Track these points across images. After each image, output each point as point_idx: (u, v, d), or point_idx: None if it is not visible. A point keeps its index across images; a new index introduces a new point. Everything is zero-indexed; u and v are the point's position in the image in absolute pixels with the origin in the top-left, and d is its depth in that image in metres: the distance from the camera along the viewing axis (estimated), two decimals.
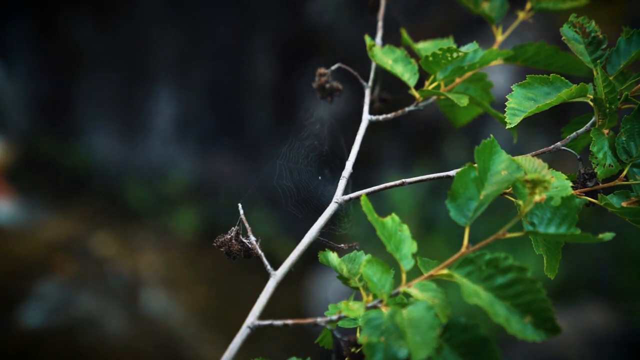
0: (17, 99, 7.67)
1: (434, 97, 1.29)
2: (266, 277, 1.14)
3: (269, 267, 1.13)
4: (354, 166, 1.24)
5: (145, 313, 5.91)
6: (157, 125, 6.94)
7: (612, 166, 1.13)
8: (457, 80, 1.30)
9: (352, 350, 1.09)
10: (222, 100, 6.84)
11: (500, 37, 1.34)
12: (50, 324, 5.68)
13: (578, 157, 1.17)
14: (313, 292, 5.75)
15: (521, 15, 1.34)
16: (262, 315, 1.10)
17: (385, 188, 1.17)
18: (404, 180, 1.18)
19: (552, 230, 1.06)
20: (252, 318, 1.10)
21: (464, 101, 1.22)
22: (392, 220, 1.10)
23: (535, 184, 1.01)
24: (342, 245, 1.24)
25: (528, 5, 1.33)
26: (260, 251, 1.16)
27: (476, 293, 1.04)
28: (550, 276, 1.18)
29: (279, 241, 5.76)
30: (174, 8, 6.67)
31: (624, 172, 1.14)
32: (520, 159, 1.09)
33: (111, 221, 7.00)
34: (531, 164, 1.08)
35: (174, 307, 5.99)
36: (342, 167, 1.23)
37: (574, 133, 1.18)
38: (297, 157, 1.30)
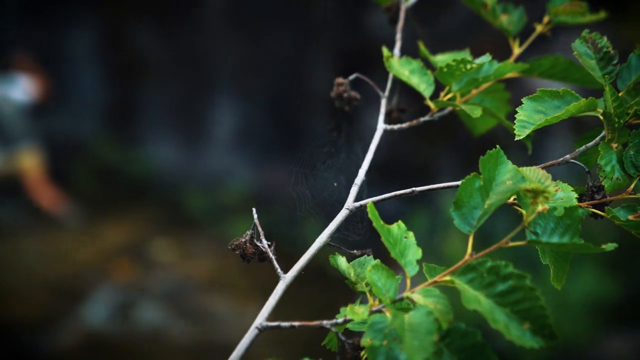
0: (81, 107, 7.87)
1: (450, 108, 1.32)
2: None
3: (279, 270, 1.17)
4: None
5: (201, 319, 6.00)
6: (217, 135, 7.06)
7: (619, 179, 1.14)
8: (474, 91, 1.32)
9: (356, 352, 1.12)
10: (280, 110, 6.91)
11: (517, 50, 1.36)
12: (109, 326, 5.81)
13: (586, 170, 1.19)
14: None
15: (539, 28, 1.35)
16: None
17: (395, 196, 1.20)
18: (414, 188, 1.20)
19: (555, 239, 1.08)
20: (261, 319, 1.14)
21: (477, 112, 1.25)
22: (397, 227, 1.13)
23: (536, 193, 1.04)
24: (355, 251, 1.27)
25: (546, 19, 1.35)
26: (272, 254, 1.21)
27: (477, 299, 1.06)
28: (557, 286, 1.19)
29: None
30: (235, 19, 6.78)
31: (632, 186, 1.15)
32: (525, 169, 1.11)
33: (170, 228, 7.13)
34: (535, 175, 1.10)
35: (230, 314, 6.07)
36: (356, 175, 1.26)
37: (584, 146, 1.19)
38: (314, 164, 1.34)
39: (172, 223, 7.18)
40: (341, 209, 1.24)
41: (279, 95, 6.86)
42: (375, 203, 1.15)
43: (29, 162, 7.10)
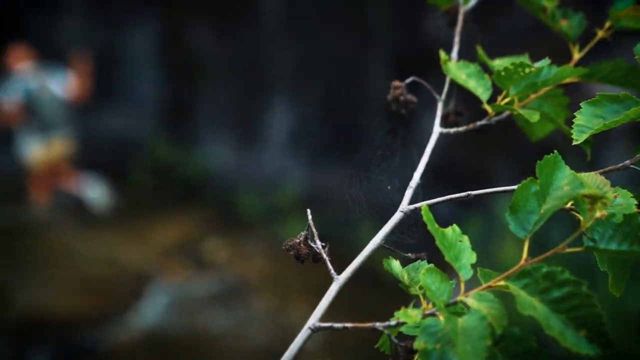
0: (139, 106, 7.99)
1: (507, 112, 1.31)
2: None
3: (332, 271, 1.18)
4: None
5: (252, 319, 6.03)
6: (271, 136, 7.10)
7: None
8: (532, 96, 1.31)
9: (409, 355, 1.12)
10: (335, 113, 6.92)
11: (577, 55, 1.34)
12: (162, 325, 5.88)
13: None
14: None
15: (600, 33, 1.34)
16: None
17: (450, 200, 1.19)
18: (469, 192, 1.20)
19: (613, 246, 1.07)
20: (314, 320, 1.14)
21: (535, 117, 1.24)
22: (452, 230, 1.13)
23: (594, 199, 1.02)
24: (409, 254, 1.27)
25: (607, 24, 1.33)
26: (326, 256, 1.21)
27: (532, 305, 1.06)
28: (615, 294, 1.18)
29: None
30: (292, 21, 6.81)
31: None
32: (583, 175, 1.10)
33: (223, 228, 7.19)
34: (594, 181, 1.09)
35: (281, 315, 6.09)
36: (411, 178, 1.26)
37: None
38: (369, 167, 1.35)
39: (225, 223, 7.24)
40: (395, 211, 1.24)
41: (333, 97, 6.87)
42: (430, 206, 1.15)
43: (58, 150, 7.33)
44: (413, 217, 1.25)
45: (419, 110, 1.41)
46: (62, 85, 7.16)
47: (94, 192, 7.52)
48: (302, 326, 1.15)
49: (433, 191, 1.39)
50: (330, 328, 1.13)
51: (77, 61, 7.21)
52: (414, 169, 1.30)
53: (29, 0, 8.42)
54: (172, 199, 7.76)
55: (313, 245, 1.24)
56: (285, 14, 6.77)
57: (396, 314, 1.19)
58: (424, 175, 1.29)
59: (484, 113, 1.33)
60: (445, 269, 1.20)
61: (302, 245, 1.24)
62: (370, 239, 1.24)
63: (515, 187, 1.12)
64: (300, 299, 6.30)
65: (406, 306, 1.18)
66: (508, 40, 5.41)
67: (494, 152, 6.25)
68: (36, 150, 7.31)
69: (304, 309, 6.16)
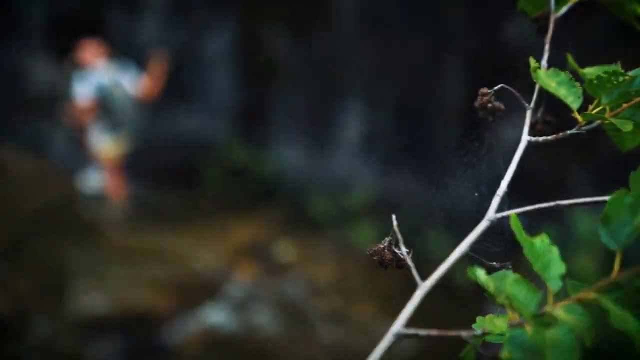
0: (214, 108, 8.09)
1: (598, 121, 1.28)
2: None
3: (417, 278, 1.17)
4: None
5: (319, 322, 6.04)
6: (345, 140, 7.10)
7: None
8: (624, 105, 1.28)
9: None
10: (409, 118, 6.89)
11: None
12: (231, 325, 5.93)
13: None
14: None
15: None
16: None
17: (539, 209, 1.18)
18: (558, 202, 1.18)
19: None
20: (398, 326, 1.14)
21: (627, 126, 1.21)
22: (541, 240, 1.12)
23: None
24: (494, 263, 1.25)
25: None
26: (410, 262, 1.21)
27: (624, 319, 1.03)
28: None
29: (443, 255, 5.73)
30: (369, 24, 6.81)
31: None
32: None
33: (294, 230, 7.23)
34: None
35: (348, 319, 6.09)
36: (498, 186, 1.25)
37: None
38: (455, 173, 1.34)
39: (296, 225, 7.28)
40: (481, 219, 1.23)
41: (408, 102, 6.84)
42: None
43: (124, 146, 7.47)
44: (499, 226, 1.24)
45: (502, 117, 1.39)
46: (134, 82, 7.26)
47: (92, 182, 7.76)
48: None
49: (512, 200, 1.37)
50: (415, 335, 1.12)
51: (153, 60, 7.31)
52: (499, 176, 1.28)
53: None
54: (245, 200, 7.83)
55: (397, 252, 1.23)
56: (361, 16, 6.77)
57: (478, 320, 1.18)
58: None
59: (571, 122, 1.30)
60: (531, 279, 1.18)
61: (386, 251, 1.24)
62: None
63: (606, 197, 1.10)
64: (367, 302, 6.29)
65: (481, 315, 1.17)
66: (598, 48, 5.32)
67: (573, 161, 6.14)
68: (106, 146, 7.46)
69: (371, 312, 6.16)
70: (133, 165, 8.00)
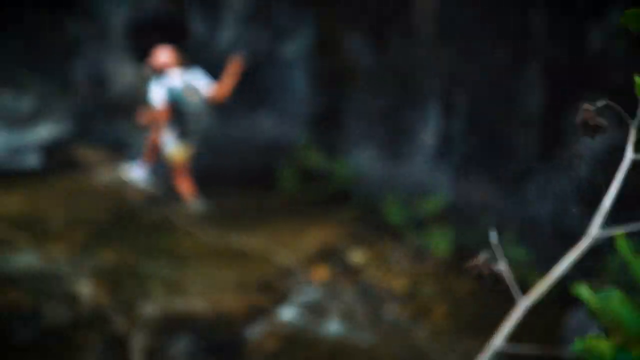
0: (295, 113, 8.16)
1: None
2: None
3: (518, 293, 1.17)
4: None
5: (389, 325, 6.03)
6: (420, 145, 7.07)
7: None
8: None
9: None
10: (486, 124, 6.82)
11: None
12: (304, 328, 5.96)
13: None
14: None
15: None
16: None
17: None
18: None
19: None
20: (499, 342, 1.13)
21: None
22: None
23: None
24: (597, 281, 1.24)
25: None
26: (509, 277, 1.20)
27: None
28: None
29: (530, 268, 5.66)
30: (448, 29, 6.76)
31: None
32: None
33: (368, 235, 7.23)
34: None
35: (417, 323, 6.06)
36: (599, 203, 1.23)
37: None
38: (554, 188, 1.33)
39: (369, 229, 7.28)
40: (582, 236, 1.22)
41: (485, 108, 6.77)
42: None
43: (188, 151, 7.76)
44: (603, 243, 1.22)
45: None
46: (207, 87, 7.43)
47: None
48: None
49: (609, 218, 1.35)
50: (516, 355, 1.11)
51: (230, 63, 7.47)
52: (600, 194, 1.26)
53: (190, 4, 8.75)
54: (319, 203, 7.87)
55: (495, 267, 1.23)
56: (440, 21, 6.73)
57: (577, 340, 1.17)
58: (600, 201, 1.26)
59: None
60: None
61: (484, 265, 1.24)
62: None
63: None
64: (440, 308, 6.25)
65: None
66: None
67: None
68: (177, 149, 7.65)
69: (444, 318, 6.12)
70: (208, 166, 8.12)
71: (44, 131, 9.25)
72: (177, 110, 7.45)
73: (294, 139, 8.09)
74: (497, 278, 1.24)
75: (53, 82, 10.28)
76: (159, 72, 7.43)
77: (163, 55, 7.43)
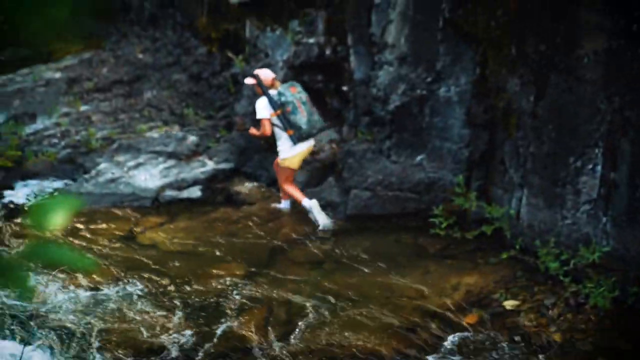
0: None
1: None
2: None
3: None
4: None
5: None
6: (581, 191, 6.83)
7: None
8: None
9: None
10: None
11: None
12: None
13: None
14: None
15: None
16: None
17: None
18: None
19: None
20: None
21: None
22: None
23: None
24: None
25: None
26: None
27: None
28: None
29: None
30: (615, 69, 6.47)
31: None
32: None
33: (524, 282, 7.09)
34: None
35: None
36: None
37: None
38: None
39: (525, 276, 7.08)
40: None
41: None
42: None
43: (301, 157, 8.49)
44: None
45: None
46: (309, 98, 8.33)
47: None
48: None
49: None
50: None
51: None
52: None
53: (352, 45, 8.88)
54: (474, 246, 7.75)
55: None
56: (606, 60, 6.46)
57: None
58: None
59: None
60: None
61: None
62: None
63: None
64: None
65: None
66: None
67: None
68: (291, 155, 8.36)
69: None
70: (366, 205, 8.19)
71: (206, 165, 9.63)
72: (290, 121, 8.20)
73: (450, 180, 8.01)
74: None
75: (215, 118, 10.70)
76: (267, 89, 8.26)
77: (267, 74, 8.35)
